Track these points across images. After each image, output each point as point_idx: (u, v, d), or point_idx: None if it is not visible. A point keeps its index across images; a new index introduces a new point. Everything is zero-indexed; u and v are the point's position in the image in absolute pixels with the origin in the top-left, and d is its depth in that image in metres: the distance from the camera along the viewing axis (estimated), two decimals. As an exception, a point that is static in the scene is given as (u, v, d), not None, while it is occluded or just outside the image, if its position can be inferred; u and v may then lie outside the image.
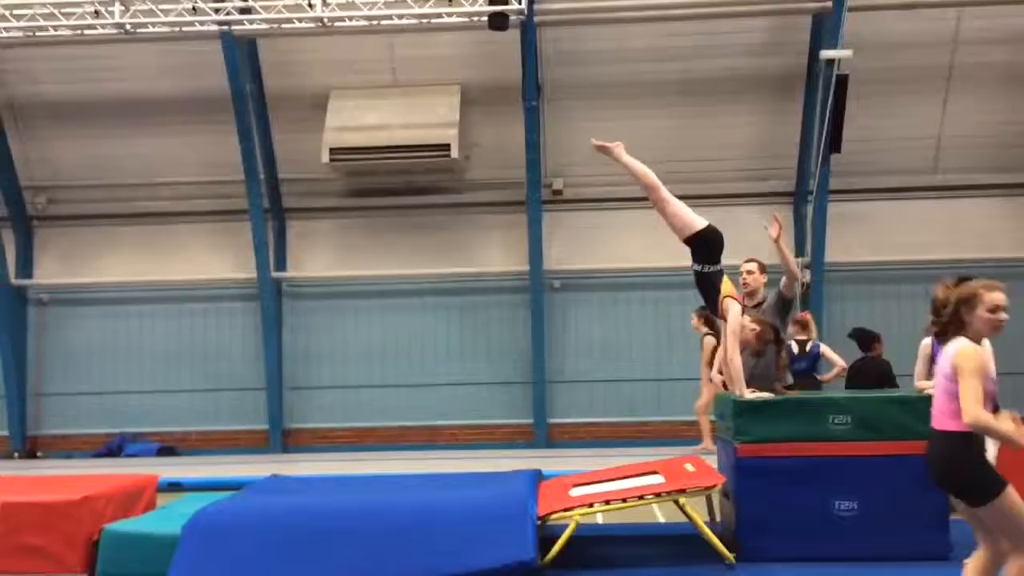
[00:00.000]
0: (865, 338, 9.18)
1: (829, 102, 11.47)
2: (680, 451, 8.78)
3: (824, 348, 9.03)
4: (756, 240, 12.25)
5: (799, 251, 12.69)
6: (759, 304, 6.53)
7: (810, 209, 12.43)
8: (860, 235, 12.74)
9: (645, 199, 12.99)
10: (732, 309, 5.94)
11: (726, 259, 12.17)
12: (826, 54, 11.41)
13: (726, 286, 6.06)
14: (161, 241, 13.36)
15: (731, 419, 5.79)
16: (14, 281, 13.21)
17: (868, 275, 12.93)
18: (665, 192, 6.01)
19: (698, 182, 12.88)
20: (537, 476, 6.70)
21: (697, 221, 6.03)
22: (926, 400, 5.51)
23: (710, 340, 9.73)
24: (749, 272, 6.61)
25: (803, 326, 8.85)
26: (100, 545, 5.50)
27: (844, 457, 5.58)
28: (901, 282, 12.77)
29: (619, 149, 6.12)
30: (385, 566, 5.15)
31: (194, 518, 5.48)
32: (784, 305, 6.48)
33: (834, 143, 11.63)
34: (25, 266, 13.45)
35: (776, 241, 6.38)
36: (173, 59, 12.49)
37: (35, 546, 5.52)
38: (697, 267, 6.08)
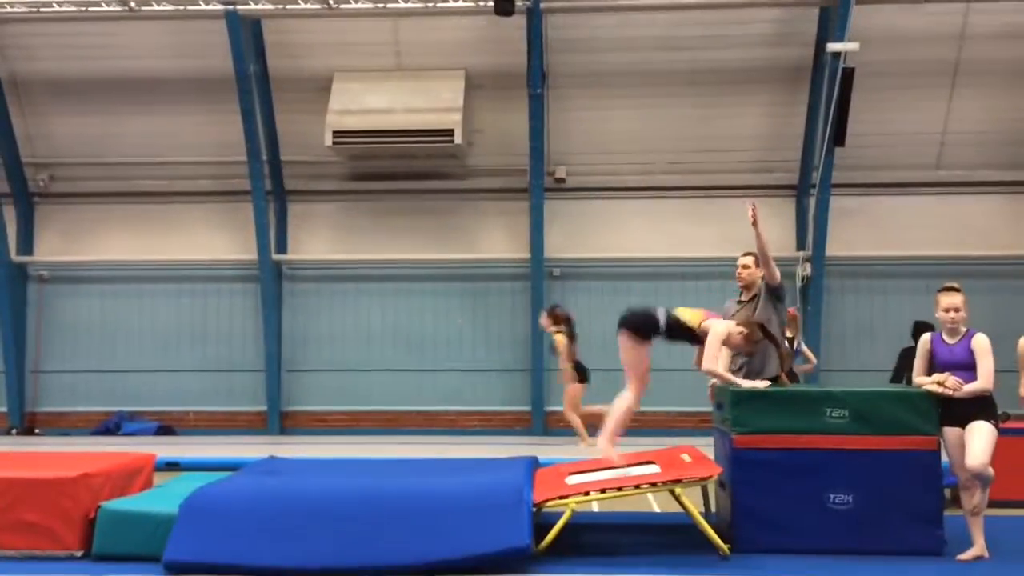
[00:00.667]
0: (922, 328, 9.23)
1: (834, 95, 11.44)
2: (677, 441, 8.81)
3: (803, 346, 9.15)
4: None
5: (801, 244, 12.68)
6: (755, 297, 6.51)
7: (813, 202, 12.41)
8: (862, 229, 12.73)
9: (647, 189, 13.16)
10: (712, 328, 6.03)
11: (728, 251, 12.18)
12: (833, 47, 11.37)
13: (689, 316, 6.15)
14: (162, 220, 13.35)
15: (728, 410, 5.80)
16: (15, 257, 13.21)
17: (869, 270, 12.92)
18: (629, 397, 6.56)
19: (702, 173, 12.92)
20: (533, 463, 6.72)
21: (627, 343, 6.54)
22: (923, 395, 5.55)
23: (560, 337, 10.30)
24: (744, 266, 6.60)
25: (789, 323, 8.88)
26: (97, 523, 5.52)
27: (840, 450, 5.59)
28: (902, 277, 12.77)
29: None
30: (379, 550, 5.17)
31: (191, 497, 5.51)
32: (774, 294, 6.46)
33: (838, 137, 11.60)
34: (26, 242, 13.44)
35: (753, 226, 6.36)
36: (177, 38, 12.45)
37: (32, 523, 5.54)
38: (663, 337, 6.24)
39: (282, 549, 5.20)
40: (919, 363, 5.60)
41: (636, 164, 12.96)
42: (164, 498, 5.77)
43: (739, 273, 6.62)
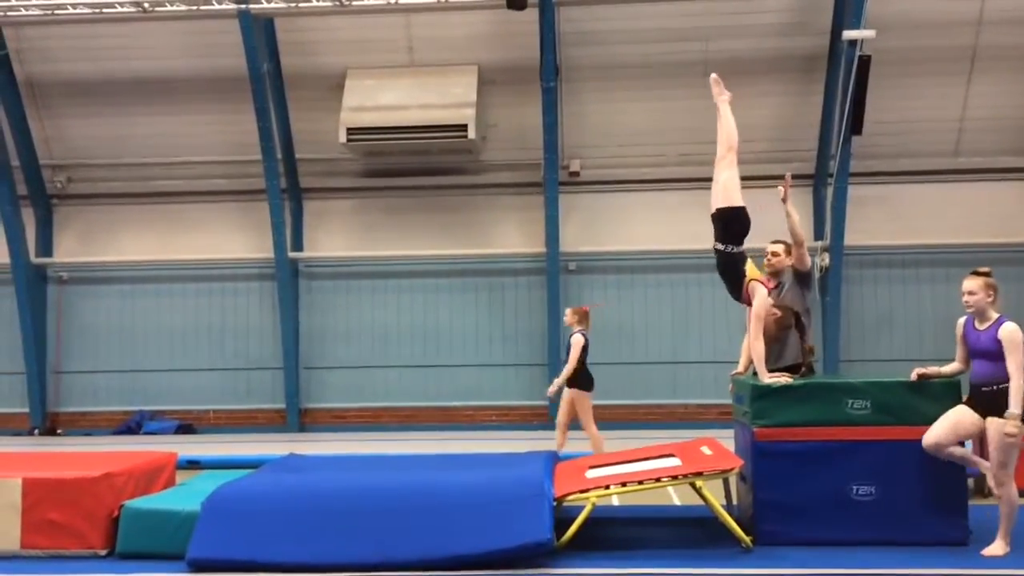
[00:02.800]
0: None
1: (851, 83, 11.35)
2: (695, 434, 8.74)
3: None
4: (775, 223, 12.21)
5: (818, 234, 12.60)
6: (779, 285, 6.47)
7: (830, 192, 12.33)
8: (880, 218, 12.64)
9: (662, 181, 13.08)
10: (758, 292, 5.95)
11: (745, 241, 12.12)
12: (849, 34, 11.28)
13: (751, 269, 6.04)
14: (179, 220, 13.42)
15: (749, 403, 5.76)
16: (34, 259, 13.31)
17: (888, 259, 12.83)
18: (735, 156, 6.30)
19: (717, 164, 12.83)
20: (553, 458, 6.72)
21: (740, 196, 6.14)
22: (945, 385, 5.50)
23: (579, 338, 8.71)
24: (775, 253, 6.54)
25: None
26: (120, 521, 5.56)
27: (862, 441, 5.54)
28: (921, 266, 12.67)
29: (726, 101, 6.54)
30: (400, 545, 5.17)
31: (213, 495, 5.53)
32: (803, 280, 6.41)
33: (855, 125, 11.52)
34: (45, 244, 13.55)
35: (783, 201, 6.33)
36: (191, 38, 12.49)
37: (57, 522, 5.58)
38: (720, 247, 6.11)
39: (303, 545, 5.22)
40: (957, 348, 5.52)
41: (650, 156, 12.91)
42: (186, 496, 5.80)
43: (768, 260, 6.57)
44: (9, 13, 11.87)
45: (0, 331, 13.34)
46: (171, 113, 12.95)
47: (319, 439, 11.90)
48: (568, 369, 8.34)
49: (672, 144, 12.84)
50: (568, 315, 8.91)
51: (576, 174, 13.02)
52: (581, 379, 8.51)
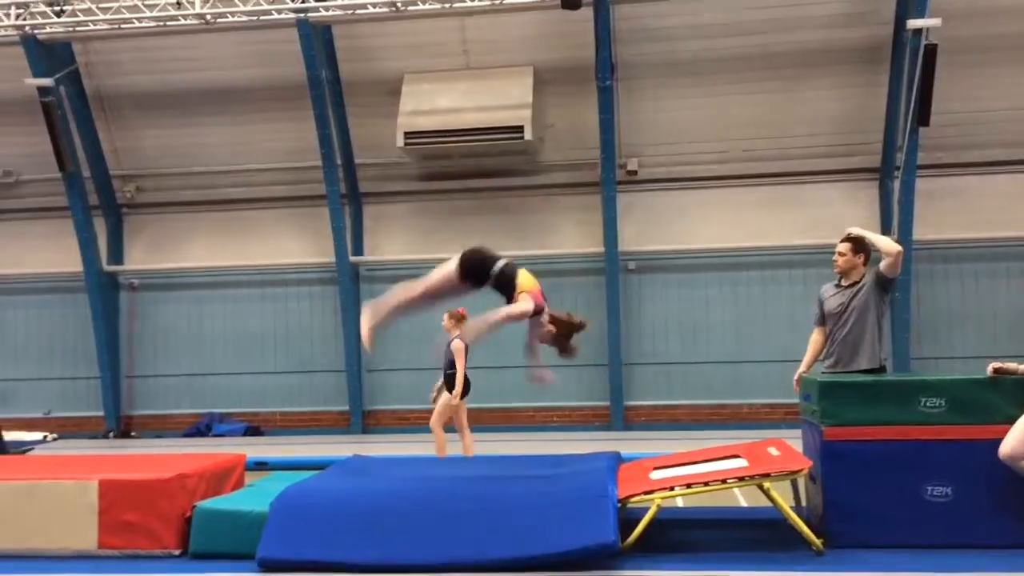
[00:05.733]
0: None
1: (916, 74, 11.06)
2: (761, 435, 8.60)
3: None
4: (839, 217, 11.97)
5: (885, 229, 12.29)
6: (855, 283, 6.31)
7: (897, 185, 12.02)
8: (950, 211, 12.28)
9: (722, 178, 12.92)
10: (520, 305, 5.81)
11: (810, 238, 11.86)
12: (913, 23, 10.99)
13: (525, 280, 5.91)
14: (243, 226, 13.69)
15: (817, 401, 5.64)
16: (106, 267, 13.72)
17: (959, 253, 12.45)
18: (414, 285, 6.11)
19: (778, 159, 12.64)
20: (616, 458, 6.67)
21: (449, 262, 5.97)
22: (1021, 383, 5.31)
23: (459, 344, 8.56)
24: (840, 253, 6.37)
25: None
26: (193, 521, 5.68)
27: (937, 441, 5.37)
28: (995, 260, 12.28)
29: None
30: (464, 546, 5.18)
31: (281, 496, 5.62)
32: (885, 284, 6.24)
33: (922, 116, 11.21)
34: (116, 253, 13.95)
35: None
36: (251, 48, 12.74)
37: (132, 523, 5.72)
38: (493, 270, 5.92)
39: (369, 546, 5.26)
40: None
41: (710, 153, 12.75)
42: (256, 497, 5.89)
43: (835, 260, 6.42)
44: (78, 28, 12.26)
45: (75, 337, 13.77)
46: (234, 122, 13.22)
47: (382, 440, 12.01)
48: (460, 378, 8.38)
49: (732, 140, 12.67)
50: (446, 320, 8.67)
51: (634, 173, 12.93)
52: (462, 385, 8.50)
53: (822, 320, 6.42)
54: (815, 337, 6.47)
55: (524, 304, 5.78)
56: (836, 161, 12.58)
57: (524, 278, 5.89)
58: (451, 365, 8.39)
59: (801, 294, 12.11)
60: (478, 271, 5.87)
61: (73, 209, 13.21)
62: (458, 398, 8.37)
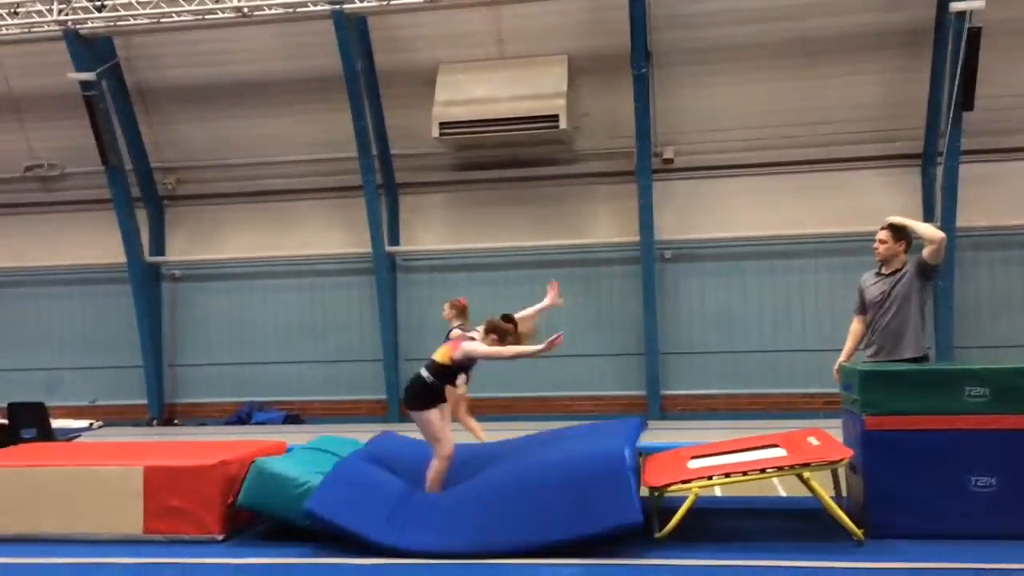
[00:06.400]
0: None
1: (960, 57, 10.83)
2: (800, 424, 8.53)
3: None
4: (879, 204, 11.81)
5: (928, 215, 12.08)
6: (897, 271, 6.22)
7: (940, 171, 11.80)
8: (994, 197, 12.03)
9: (759, 165, 12.79)
10: (474, 348, 6.23)
11: (849, 226, 11.70)
12: (956, 6, 10.77)
13: (440, 355, 6.18)
14: (281, 217, 13.83)
15: (858, 390, 5.57)
16: (148, 258, 13.95)
17: (1004, 240, 12.20)
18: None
19: (817, 146, 12.48)
20: (639, 426, 6.64)
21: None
22: (1073, 371, 5.20)
23: (458, 334, 7.98)
24: (881, 240, 6.28)
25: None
26: (248, 476, 5.80)
27: (981, 431, 5.29)
28: (1041, 246, 12.01)
29: None
30: (491, 535, 5.23)
31: (339, 467, 5.77)
32: (927, 272, 6.14)
33: (966, 101, 11.00)
34: (157, 244, 14.17)
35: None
36: (287, 40, 12.84)
37: (176, 508, 5.84)
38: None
39: (393, 531, 5.33)
40: None
41: (747, 140, 12.61)
42: (306, 463, 6.05)
43: (876, 247, 6.32)
44: (119, 23, 12.45)
45: (120, 327, 14.03)
46: (271, 114, 13.35)
47: (418, 429, 12.07)
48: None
49: (769, 127, 12.52)
50: (446, 309, 8.61)
51: (670, 161, 12.83)
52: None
53: (862, 309, 6.34)
54: (855, 326, 6.39)
55: (478, 348, 6.29)
56: (876, 147, 12.38)
57: (440, 354, 6.20)
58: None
59: (840, 282, 11.96)
60: (421, 396, 6.11)
61: (116, 201, 13.44)
62: (464, 387, 8.11)
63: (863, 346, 6.34)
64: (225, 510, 5.85)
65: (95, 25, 12.45)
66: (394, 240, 13.52)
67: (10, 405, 8.89)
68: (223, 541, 5.79)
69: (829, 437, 5.88)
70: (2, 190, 14.41)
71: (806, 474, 5.30)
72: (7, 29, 12.53)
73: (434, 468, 6.03)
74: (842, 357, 6.36)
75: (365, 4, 11.97)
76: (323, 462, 6.07)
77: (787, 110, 12.33)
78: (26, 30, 12.58)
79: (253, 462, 5.89)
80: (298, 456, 6.33)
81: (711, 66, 12.31)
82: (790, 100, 12.29)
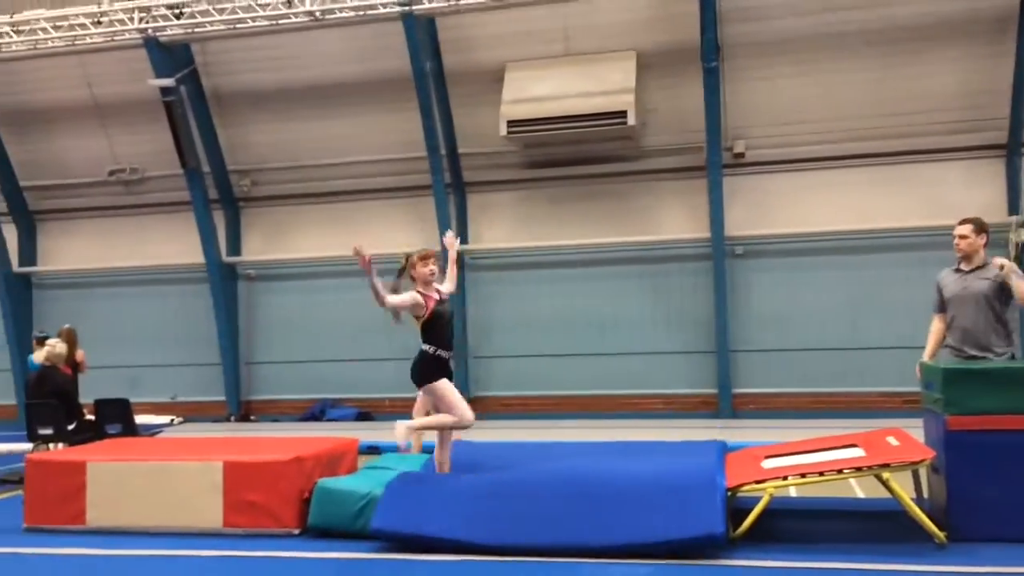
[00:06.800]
0: None
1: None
2: (878, 424, 8.32)
3: None
4: (959, 197, 11.43)
5: (1014, 208, 11.62)
6: (978, 268, 6.02)
7: (1026, 162, 11.36)
8: (1085, 188, 11.52)
9: (833, 159, 12.49)
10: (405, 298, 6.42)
11: (927, 220, 11.36)
12: (1044, -12, 10.34)
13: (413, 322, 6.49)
14: (352, 217, 14.04)
15: (940, 389, 5.41)
16: (225, 258, 14.32)
17: (1095, 232, 11.67)
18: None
19: (894, 138, 12.14)
20: (723, 448, 6.58)
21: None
22: None
23: None
24: (962, 236, 6.08)
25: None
26: (312, 498, 5.91)
27: (1073, 432, 5.09)
28: None
29: None
30: (569, 531, 5.22)
31: (396, 479, 5.80)
32: (1004, 292, 5.93)
33: (1054, 88, 10.55)
34: (234, 244, 14.54)
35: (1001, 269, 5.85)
36: (357, 43, 13.03)
37: (254, 502, 6.00)
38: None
39: (475, 527, 5.36)
40: None
41: (819, 133, 12.33)
42: (370, 479, 6.09)
43: (956, 243, 6.13)
44: (196, 30, 12.80)
45: (198, 326, 14.44)
46: (342, 116, 13.56)
47: (488, 427, 12.14)
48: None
49: (844, 119, 12.22)
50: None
51: (741, 155, 12.62)
52: None
53: (942, 307, 6.16)
54: (936, 325, 6.22)
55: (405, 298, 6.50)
56: (956, 138, 11.98)
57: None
58: None
59: (919, 278, 11.48)
60: (425, 371, 6.47)
61: (194, 203, 13.83)
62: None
63: (945, 344, 6.15)
64: (301, 505, 5.99)
65: (174, 32, 12.83)
66: (463, 239, 13.60)
67: (97, 401, 9.23)
68: (300, 535, 5.92)
69: (909, 437, 5.74)
70: (88, 193, 14.97)
71: (885, 475, 5.18)
72: (91, 38, 13.00)
73: (442, 418, 6.27)
74: (925, 356, 6.19)
75: (434, 5, 12.07)
76: (387, 479, 6.09)
77: (861, 101, 12.02)
78: (109, 39, 13.03)
79: (316, 483, 5.96)
80: (363, 475, 6.41)
81: (782, 58, 12.07)
82: (864, 91, 11.98)
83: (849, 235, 12.24)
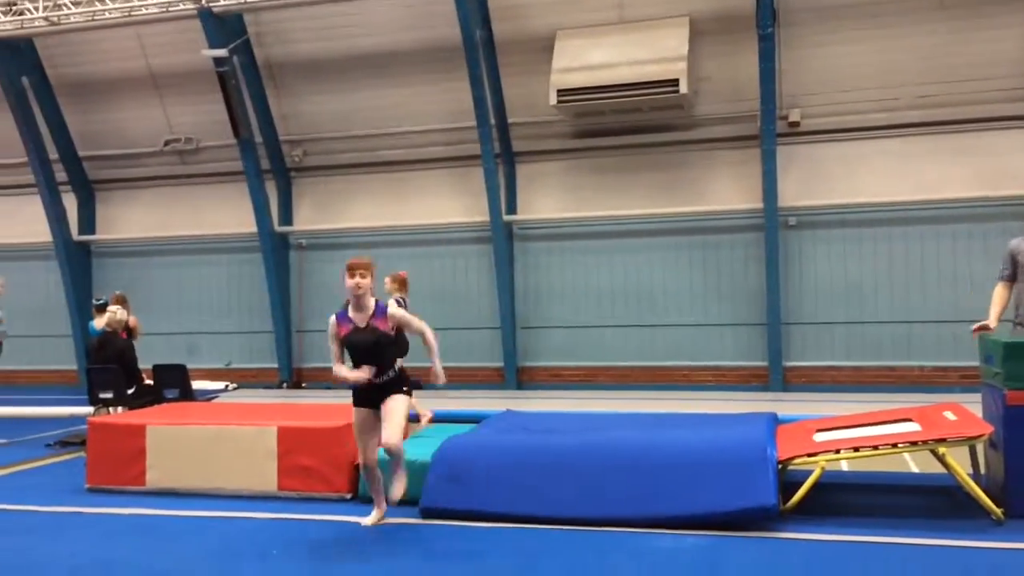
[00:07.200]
0: None
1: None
2: (934, 398, 8.16)
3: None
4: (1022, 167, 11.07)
5: (1082, 178, 11.23)
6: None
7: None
8: None
9: (891, 127, 12.15)
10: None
11: (989, 190, 11.02)
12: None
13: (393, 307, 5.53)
14: (401, 187, 14.11)
15: (1000, 363, 5.28)
16: (277, 228, 14.51)
17: None
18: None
19: (955, 105, 11.80)
20: (774, 419, 6.52)
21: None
22: None
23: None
24: None
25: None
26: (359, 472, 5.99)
27: None
28: None
29: None
30: (619, 502, 5.23)
31: (441, 449, 5.86)
32: None
33: None
34: (285, 214, 14.71)
35: None
36: (408, 11, 13.00)
37: (308, 467, 6.14)
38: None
39: (526, 498, 5.40)
40: None
41: (877, 101, 12.01)
42: (419, 447, 6.16)
43: None
44: (249, 0, 12.88)
45: (252, 294, 14.70)
46: (392, 86, 13.58)
47: (536, 396, 12.21)
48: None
49: (902, 86, 11.88)
50: (388, 283, 8.26)
51: (796, 124, 12.36)
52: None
53: (1013, 276, 5.99)
54: (1000, 291, 6.06)
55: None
56: (1020, 106, 11.57)
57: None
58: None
59: (980, 250, 11.31)
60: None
61: (247, 173, 14.00)
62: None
63: (1006, 319, 6.00)
64: (352, 470, 6.09)
65: (227, 3, 12.92)
66: (511, 209, 13.59)
67: (155, 367, 9.46)
68: (351, 499, 6.03)
69: (967, 412, 5.62)
70: (145, 163, 15.25)
71: (941, 450, 5.09)
72: (146, 9, 13.17)
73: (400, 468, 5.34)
74: (989, 321, 6.03)
75: (484, -28, 11.96)
76: (435, 447, 6.11)
77: (921, 68, 11.67)
78: (164, 9, 13.19)
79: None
80: (412, 443, 6.47)
81: (841, 22, 11.76)
82: (924, 57, 11.62)
83: (907, 206, 11.94)
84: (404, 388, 5.54)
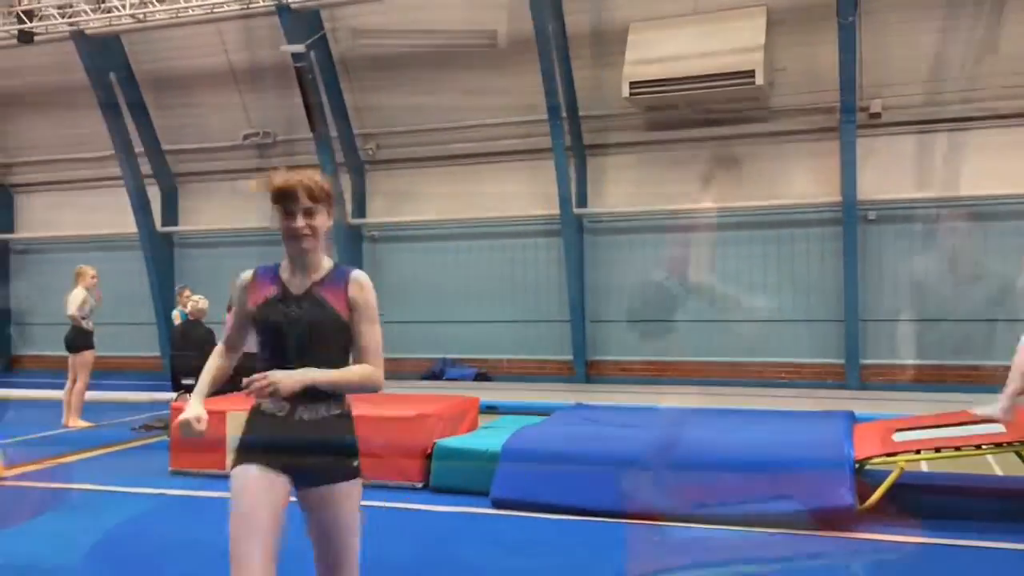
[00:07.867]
0: None
1: None
2: (1018, 399, 7.87)
3: None
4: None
5: None
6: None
7: None
8: None
9: (978, 119, 11.73)
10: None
11: None
12: None
13: None
14: (472, 180, 14.19)
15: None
16: (351, 220, 14.75)
17: None
18: None
19: (1048, 95, 11.30)
20: (851, 418, 6.39)
21: None
22: None
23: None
24: None
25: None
26: (433, 457, 6.08)
27: None
28: None
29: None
30: (692, 500, 5.19)
31: (510, 440, 5.90)
32: None
33: None
34: (359, 206, 14.95)
35: None
36: (481, 4, 13.04)
37: (380, 455, 6.23)
38: None
39: (596, 491, 5.40)
40: None
41: (962, 91, 11.58)
42: (490, 437, 6.22)
43: None
44: (326, -4, 13.12)
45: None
46: (464, 79, 13.65)
47: (605, 390, 12.17)
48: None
49: (989, 75, 11.45)
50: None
51: (877, 115, 12.01)
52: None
53: None
54: None
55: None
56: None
57: None
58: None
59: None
60: None
61: (323, 167, 14.24)
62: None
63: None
64: (424, 460, 6.17)
65: (305, -1, 13.19)
66: (582, 202, 13.55)
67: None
68: (423, 488, 6.12)
69: (1056, 414, 5.41)
70: (224, 157, 15.66)
71: (1028, 453, 4.91)
72: (227, 6, 13.52)
73: None
74: None
75: (556, -35, 11.93)
76: (504, 439, 6.17)
77: (1011, 56, 11.22)
78: (244, 6, 13.52)
79: (435, 444, 6.10)
80: (481, 434, 6.53)
81: (926, 10, 11.38)
82: (1015, 45, 11.17)
83: (992, 200, 11.53)
84: (355, 460, 2.95)
